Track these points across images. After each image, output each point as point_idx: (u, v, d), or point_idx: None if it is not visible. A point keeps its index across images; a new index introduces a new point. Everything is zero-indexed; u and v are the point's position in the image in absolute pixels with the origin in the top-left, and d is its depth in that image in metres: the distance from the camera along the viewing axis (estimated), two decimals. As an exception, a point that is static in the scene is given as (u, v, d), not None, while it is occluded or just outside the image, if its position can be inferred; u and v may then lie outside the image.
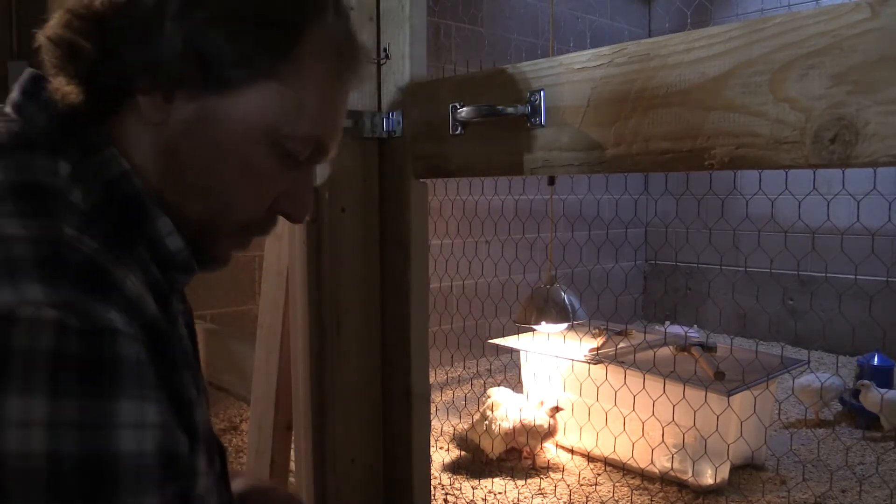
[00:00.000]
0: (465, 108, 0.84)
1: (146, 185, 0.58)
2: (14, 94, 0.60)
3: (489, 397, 2.94)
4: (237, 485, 0.79)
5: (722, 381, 2.61)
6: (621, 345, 3.01)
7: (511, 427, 2.81)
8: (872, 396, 3.11)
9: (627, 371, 2.71)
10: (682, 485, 2.67)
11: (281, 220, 0.67)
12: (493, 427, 2.81)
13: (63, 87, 0.57)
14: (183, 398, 0.53)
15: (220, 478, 0.67)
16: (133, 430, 0.44)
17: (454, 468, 2.91)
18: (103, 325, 0.45)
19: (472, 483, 2.76)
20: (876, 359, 3.64)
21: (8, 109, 0.59)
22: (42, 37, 0.59)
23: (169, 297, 0.59)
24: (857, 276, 4.03)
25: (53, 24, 0.58)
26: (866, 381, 3.18)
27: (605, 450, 2.86)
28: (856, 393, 3.22)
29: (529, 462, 2.93)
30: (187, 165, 0.59)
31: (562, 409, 2.88)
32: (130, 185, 0.57)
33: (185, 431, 0.51)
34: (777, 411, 3.39)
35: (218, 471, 0.65)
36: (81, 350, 0.43)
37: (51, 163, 0.54)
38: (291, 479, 1.52)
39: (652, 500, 2.62)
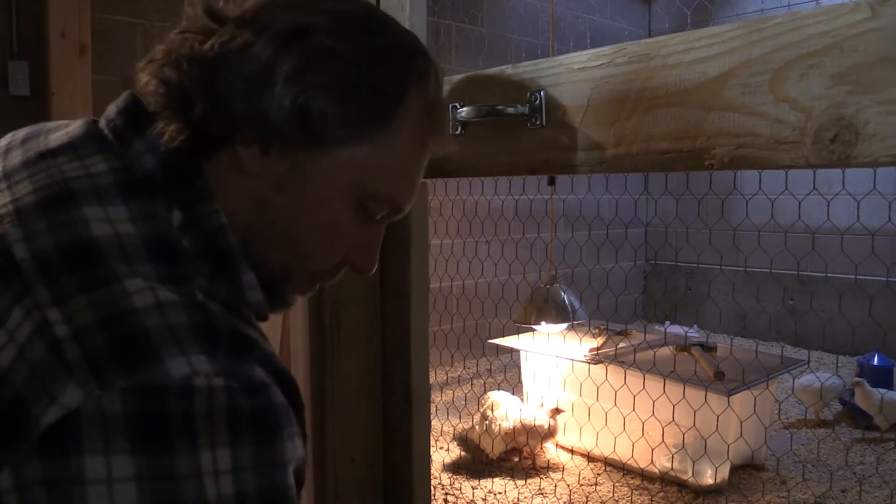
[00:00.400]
0: (465, 108, 0.84)
1: (234, 235, 0.60)
2: (113, 115, 0.61)
3: (488, 398, 2.94)
4: None
5: (722, 381, 2.61)
6: (621, 345, 3.01)
7: (511, 427, 2.81)
8: (867, 395, 3.11)
9: (627, 371, 2.71)
10: (682, 485, 2.67)
11: None
12: (493, 427, 2.81)
13: (168, 128, 0.58)
14: (304, 433, 0.57)
15: None
16: (291, 465, 0.52)
17: (454, 468, 2.91)
18: (257, 382, 0.50)
19: (472, 483, 2.76)
20: (876, 359, 3.64)
21: (103, 128, 0.60)
22: (147, 75, 0.60)
23: None
24: (857, 276, 4.03)
25: (160, 63, 0.59)
26: (860, 379, 3.18)
27: (605, 450, 2.86)
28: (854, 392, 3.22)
29: (529, 462, 2.93)
30: (275, 216, 0.61)
31: (562, 412, 2.88)
32: (226, 240, 0.59)
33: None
34: (777, 411, 3.40)
35: None
36: (247, 406, 0.49)
37: (167, 212, 0.56)
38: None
39: (652, 500, 2.62)
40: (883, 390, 3.15)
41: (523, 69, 0.81)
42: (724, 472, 2.64)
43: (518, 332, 3.33)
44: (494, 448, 2.83)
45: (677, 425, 2.60)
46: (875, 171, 3.20)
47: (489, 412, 2.86)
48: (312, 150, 0.59)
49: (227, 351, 0.50)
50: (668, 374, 2.58)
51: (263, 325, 0.61)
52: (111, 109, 0.62)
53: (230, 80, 0.57)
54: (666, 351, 3.00)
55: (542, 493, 2.69)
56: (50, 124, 0.65)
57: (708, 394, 2.50)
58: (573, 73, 0.75)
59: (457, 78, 0.90)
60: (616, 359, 2.83)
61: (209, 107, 0.58)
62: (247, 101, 0.57)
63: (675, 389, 2.57)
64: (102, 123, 0.61)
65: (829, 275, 4.34)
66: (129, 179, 0.56)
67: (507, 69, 0.83)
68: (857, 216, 4.14)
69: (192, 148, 0.59)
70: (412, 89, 0.62)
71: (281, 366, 0.55)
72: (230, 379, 0.49)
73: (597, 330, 3.26)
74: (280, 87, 0.57)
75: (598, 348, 2.98)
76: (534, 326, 2.90)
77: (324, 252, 0.64)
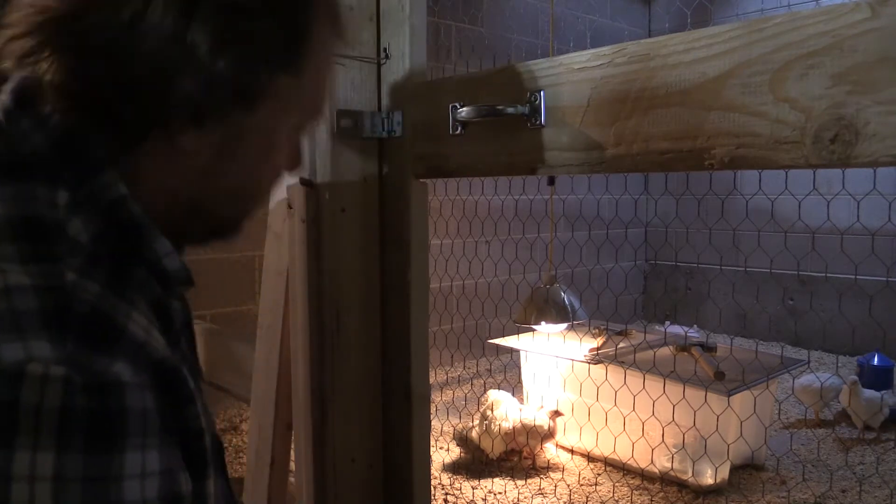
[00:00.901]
0: (465, 108, 0.84)
1: (172, 202, 0.59)
2: (5, 99, 0.57)
3: (488, 398, 2.94)
4: None
5: (722, 381, 2.61)
6: (621, 345, 3.01)
7: (511, 427, 2.81)
8: (856, 396, 3.09)
9: (627, 371, 2.71)
10: (682, 485, 2.67)
11: (281, 219, 0.70)
12: (493, 427, 2.81)
13: (57, 104, 0.54)
14: (192, 430, 0.53)
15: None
16: (137, 480, 0.45)
17: (454, 468, 2.91)
18: (109, 380, 0.45)
19: (472, 483, 2.76)
20: (876, 359, 3.64)
21: None
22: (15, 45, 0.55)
23: (171, 313, 0.59)
24: (857, 276, 4.03)
25: (32, 39, 0.54)
26: (854, 378, 3.17)
27: (605, 450, 2.86)
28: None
29: (529, 462, 2.93)
30: (222, 179, 0.61)
31: (561, 414, 2.88)
32: (127, 210, 0.55)
33: (196, 461, 0.52)
34: (777, 411, 3.39)
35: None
36: (87, 406, 0.44)
37: (49, 192, 0.52)
38: (291, 479, 1.52)
39: (652, 500, 2.62)
40: (869, 391, 3.15)
41: (523, 69, 0.81)
42: (724, 472, 2.64)
43: (518, 332, 3.32)
44: (494, 448, 2.83)
45: (677, 425, 2.60)
46: (875, 171, 3.20)
47: (489, 412, 2.86)
48: (242, 107, 0.58)
49: (80, 338, 0.46)
50: (668, 374, 2.58)
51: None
52: (4, 90, 0.57)
53: (132, 59, 0.52)
54: (666, 351, 3.00)
55: (542, 493, 2.69)
56: None
57: (708, 394, 2.50)
58: (573, 73, 0.75)
59: (457, 78, 0.90)
60: (616, 359, 2.83)
61: (114, 91, 0.53)
62: (163, 85, 0.53)
63: (675, 389, 2.57)
64: None
65: (829, 275, 4.34)
66: (8, 161, 0.53)
67: (507, 69, 0.83)
68: (857, 216, 4.14)
69: (85, 123, 0.54)
70: (319, 12, 0.61)
71: (161, 356, 0.50)
72: (73, 370, 0.44)
73: (597, 330, 3.26)
74: (195, 62, 0.53)
75: (598, 348, 2.98)
76: (534, 326, 2.90)
77: (270, 181, 0.68)
